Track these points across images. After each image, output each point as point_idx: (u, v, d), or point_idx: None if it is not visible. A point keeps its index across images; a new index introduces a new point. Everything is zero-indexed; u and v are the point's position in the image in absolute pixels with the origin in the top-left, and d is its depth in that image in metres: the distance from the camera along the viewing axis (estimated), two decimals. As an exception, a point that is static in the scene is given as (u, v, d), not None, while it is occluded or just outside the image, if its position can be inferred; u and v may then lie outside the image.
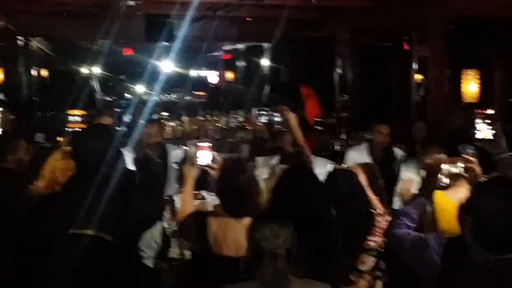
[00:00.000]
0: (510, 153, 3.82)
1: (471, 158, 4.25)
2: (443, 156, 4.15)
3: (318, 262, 3.50)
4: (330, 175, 4.55)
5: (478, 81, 10.30)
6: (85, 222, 3.19)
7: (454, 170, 4.13)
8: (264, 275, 2.99)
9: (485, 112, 3.89)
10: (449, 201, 4.21)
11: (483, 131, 3.85)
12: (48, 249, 3.21)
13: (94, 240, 3.16)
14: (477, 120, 3.86)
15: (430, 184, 4.00)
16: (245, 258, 3.20)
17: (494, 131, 3.84)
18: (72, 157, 3.79)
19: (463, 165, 4.13)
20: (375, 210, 4.48)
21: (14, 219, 3.84)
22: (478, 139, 3.91)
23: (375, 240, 4.43)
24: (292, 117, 4.12)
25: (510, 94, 10.88)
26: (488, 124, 3.84)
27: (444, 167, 4.08)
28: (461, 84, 10.16)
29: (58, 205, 3.44)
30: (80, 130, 4.55)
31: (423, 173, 4.67)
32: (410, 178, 5.10)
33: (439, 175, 4.06)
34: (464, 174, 4.18)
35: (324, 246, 3.67)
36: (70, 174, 3.78)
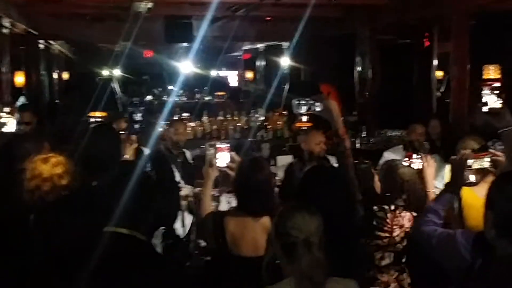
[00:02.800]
0: None
1: (498, 153, 4.20)
2: (468, 151, 4.08)
3: (341, 259, 3.46)
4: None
5: (499, 76, 10.17)
6: (117, 221, 3.16)
7: (481, 165, 4.08)
8: (300, 266, 2.88)
9: (492, 84, 3.83)
10: (477, 197, 4.17)
11: (491, 102, 3.79)
12: (83, 248, 3.20)
13: (128, 239, 3.15)
14: (485, 92, 3.81)
15: (457, 180, 3.94)
16: (269, 257, 3.10)
17: (501, 102, 3.78)
18: (79, 158, 3.82)
19: (489, 160, 4.08)
20: (390, 206, 4.45)
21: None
22: (485, 112, 3.85)
23: (387, 236, 4.40)
24: (334, 105, 4.02)
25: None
26: (496, 95, 3.79)
27: (471, 162, 4.03)
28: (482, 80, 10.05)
29: (78, 206, 3.46)
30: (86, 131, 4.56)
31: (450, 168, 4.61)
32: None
33: (465, 171, 4.00)
34: (491, 169, 4.14)
35: (348, 244, 3.63)
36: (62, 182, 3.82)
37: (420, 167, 4.68)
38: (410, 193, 4.51)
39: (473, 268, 3.14)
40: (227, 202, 4.98)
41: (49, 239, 3.55)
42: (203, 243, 4.12)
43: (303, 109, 4.27)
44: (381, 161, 6.71)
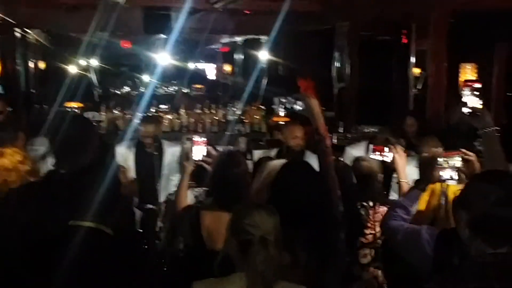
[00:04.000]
0: (495, 127, 3.78)
1: (470, 152, 4.23)
2: (440, 149, 4.12)
3: (319, 259, 3.46)
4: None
5: (476, 75, 10.29)
6: (82, 215, 3.13)
7: (451, 164, 4.11)
8: (254, 263, 2.90)
9: (473, 84, 3.86)
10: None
11: (471, 103, 3.82)
12: (46, 241, 3.17)
13: (95, 232, 3.12)
14: (465, 92, 3.84)
15: (426, 177, 3.98)
16: (225, 250, 3.09)
17: (481, 103, 3.81)
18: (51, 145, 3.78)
19: (460, 159, 4.11)
20: (368, 202, 4.49)
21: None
22: (465, 113, 3.88)
23: (371, 233, 4.44)
24: (315, 104, 4.02)
25: (508, 88, 10.85)
26: (476, 96, 3.82)
27: (441, 160, 4.06)
28: (459, 78, 10.14)
29: (44, 197, 3.42)
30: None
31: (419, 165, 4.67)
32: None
33: (435, 169, 4.04)
34: (462, 168, 4.17)
35: (325, 242, 3.63)
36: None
37: (390, 159, 4.71)
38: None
39: (436, 265, 3.18)
40: (193, 195, 4.95)
41: (9, 230, 3.50)
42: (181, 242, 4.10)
43: (285, 108, 4.27)
44: (345, 157, 6.77)
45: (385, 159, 4.73)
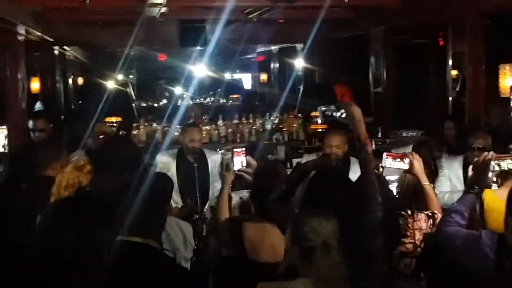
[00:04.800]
0: None
1: None
2: (491, 152, 4.07)
3: (358, 267, 3.44)
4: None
5: (517, 76, 10.13)
6: (130, 230, 3.18)
7: (504, 167, 4.08)
8: (318, 269, 2.89)
9: None
10: (499, 200, 4.16)
11: None
12: (94, 256, 3.21)
13: (143, 247, 3.16)
14: None
15: (480, 182, 3.93)
16: (287, 262, 3.08)
17: None
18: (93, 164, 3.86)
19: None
20: (406, 211, 4.46)
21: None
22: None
23: (410, 242, 4.41)
24: (357, 112, 4.03)
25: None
26: None
27: (494, 164, 4.03)
28: (499, 79, 10.00)
29: (89, 211, 3.48)
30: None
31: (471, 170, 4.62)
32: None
33: (489, 173, 4.00)
34: None
35: (363, 249, 3.62)
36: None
37: (407, 165, 4.70)
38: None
39: (499, 268, 3.14)
40: (238, 198, 4.95)
41: (55, 244, 3.56)
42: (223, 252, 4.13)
43: (328, 116, 4.26)
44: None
45: (403, 166, 4.74)
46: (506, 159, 4.11)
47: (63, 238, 3.38)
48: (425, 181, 4.69)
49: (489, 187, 4.11)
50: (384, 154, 5.25)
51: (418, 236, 4.42)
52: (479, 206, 4.25)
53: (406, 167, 4.72)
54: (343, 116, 3.96)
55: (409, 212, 4.48)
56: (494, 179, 4.07)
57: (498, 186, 4.25)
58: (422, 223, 4.47)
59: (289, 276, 3.01)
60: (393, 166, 4.75)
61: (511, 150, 4.28)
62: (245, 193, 4.78)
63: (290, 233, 3.07)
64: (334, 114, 4.05)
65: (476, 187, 3.90)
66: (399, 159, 4.78)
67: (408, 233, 4.40)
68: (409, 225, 4.42)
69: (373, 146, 9.68)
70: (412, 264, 4.44)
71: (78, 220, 3.37)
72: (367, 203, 3.70)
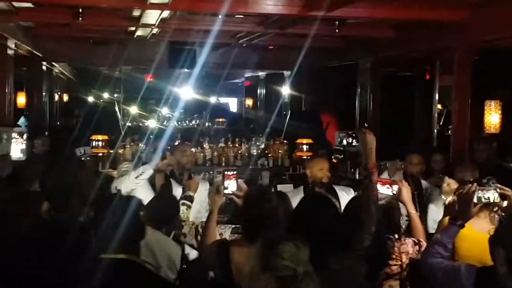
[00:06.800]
0: None
1: (506, 188, 4.25)
2: (475, 185, 4.13)
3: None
4: (350, 203, 4.57)
5: (500, 112, 10.26)
6: (111, 248, 3.26)
7: (488, 199, 4.14)
8: None
9: None
10: (471, 228, 4.23)
11: None
12: (78, 276, 3.26)
13: (128, 263, 3.24)
14: None
15: (465, 213, 3.98)
16: None
17: None
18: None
19: (497, 194, 4.14)
20: (394, 235, 4.50)
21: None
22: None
23: (396, 264, 4.44)
24: (371, 140, 4.06)
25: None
26: None
27: (478, 195, 4.08)
28: (484, 115, 10.13)
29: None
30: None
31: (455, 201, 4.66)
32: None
33: (472, 205, 4.05)
34: (500, 202, 4.20)
35: (346, 274, 3.63)
36: None
37: (396, 192, 4.75)
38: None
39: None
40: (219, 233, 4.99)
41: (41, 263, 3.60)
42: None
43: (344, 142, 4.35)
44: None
45: (391, 192, 4.78)
46: (489, 190, 4.17)
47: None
48: (412, 209, 4.73)
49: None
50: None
51: (405, 259, 4.46)
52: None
53: (395, 193, 4.75)
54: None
55: (396, 236, 4.53)
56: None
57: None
58: (409, 247, 4.51)
59: None
60: (381, 191, 4.78)
61: (486, 184, 4.31)
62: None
63: (262, 260, 2.97)
64: (344, 140, 4.11)
65: (460, 219, 3.94)
66: (388, 186, 4.81)
67: (395, 256, 4.43)
68: (396, 248, 4.45)
69: (358, 175, 9.73)
70: (396, 286, 4.46)
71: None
72: (359, 231, 3.73)
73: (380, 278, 4.43)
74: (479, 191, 4.13)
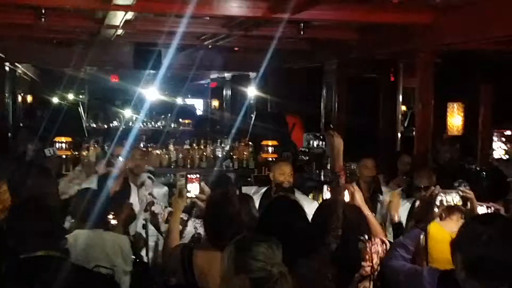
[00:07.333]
0: None
1: (468, 191, 4.30)
2: (437, 187, 4.18)
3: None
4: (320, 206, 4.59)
5: (463, 114, 10.41)
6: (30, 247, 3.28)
7: (450, 201, 4.18)
8: None
9: (503, 131, 3.95)
10: (443, 230, 4.27)
11: (499, 150, 3.91)
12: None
13: (47, 259, 3.24)
14: (496, 139, 3.92)
15: (427, 216, 4.01)
16: None
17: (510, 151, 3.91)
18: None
19: (458, 197, 4.18)
20: (364, 236, 4.52)
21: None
22: (494, 159, 3.97)
23: (369, 265, 4.46)
24: (338, 143, 4.07)
25: (494, 128, 10.96)
26: (505, 143, 3.91)
27: (440, 198, 4.12)
28: (446, 117, 10.26)
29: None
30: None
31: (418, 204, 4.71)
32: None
33: (435, 207, 4.09)
34: (461, 207, 4.24)
35: (313, 277, 3.64)
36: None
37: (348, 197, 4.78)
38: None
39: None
40: (193, 227, 4.94)
41: None
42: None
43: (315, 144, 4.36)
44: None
45: (344, 197, 4.81)
46: (451, 193, 4.22)
47: None
48: (367, 211, 4.74)
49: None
50: (325, 187, 5.32)
51: (376, 259, 4.48)
52: (424, 237, 4.34)
53: (347, 198, 4.77)
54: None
55: (366, 236, 4.55)
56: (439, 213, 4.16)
57: (441, 219, 4.35)
58: (378, 246, 4.54)
59: None
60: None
61: (458, 187, 4.37)
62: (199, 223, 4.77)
63: (236, 261, 2.92)
64: (311, 141, 4.13)
65: (422, 221, 3.98)
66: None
67: (367, 257, 4.45)
68: (368, 249, 4.47)
69: (322, 177, 9.77)
70: (370, 287, 4.49)
71: None
72: (325, 234, 3.74)
73: (355, 280, 4.46)
74: (441, 194, 4.18)
